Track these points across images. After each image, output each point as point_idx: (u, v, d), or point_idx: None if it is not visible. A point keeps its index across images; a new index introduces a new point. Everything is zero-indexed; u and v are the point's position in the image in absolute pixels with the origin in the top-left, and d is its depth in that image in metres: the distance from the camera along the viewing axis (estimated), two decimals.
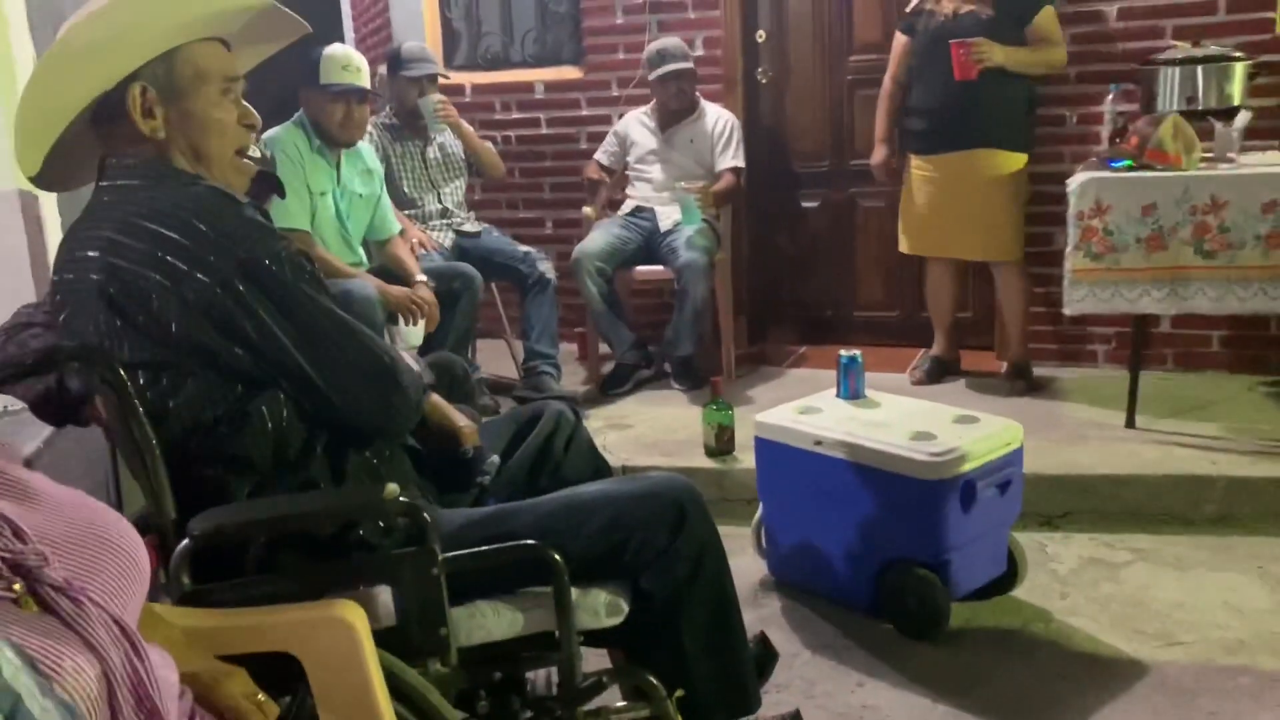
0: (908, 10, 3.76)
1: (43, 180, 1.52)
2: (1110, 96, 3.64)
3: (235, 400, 1.42)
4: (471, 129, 4.08)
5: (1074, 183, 3.22)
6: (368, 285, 3.26)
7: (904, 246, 3.89)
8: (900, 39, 3.77)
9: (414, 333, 3.38)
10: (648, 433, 3.52)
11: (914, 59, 3.71)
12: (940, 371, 3.94)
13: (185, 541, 1.36)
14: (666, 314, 4.26)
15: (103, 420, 1.48)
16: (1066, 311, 3.32)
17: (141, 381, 1.38)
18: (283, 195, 3.01)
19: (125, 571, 0.91)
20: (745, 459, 3.14)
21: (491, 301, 4.14)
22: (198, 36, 1.45)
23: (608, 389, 3.99)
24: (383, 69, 4.11)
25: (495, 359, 4.30)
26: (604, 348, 4.13)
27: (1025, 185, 3.69)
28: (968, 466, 2.37)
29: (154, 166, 1.45)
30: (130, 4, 1.41)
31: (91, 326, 1.39)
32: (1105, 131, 3.65)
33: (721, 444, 3.20)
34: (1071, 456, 3.13)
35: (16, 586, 0.79)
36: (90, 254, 1.39)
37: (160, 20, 1.41)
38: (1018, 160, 3.62)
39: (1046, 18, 3.52)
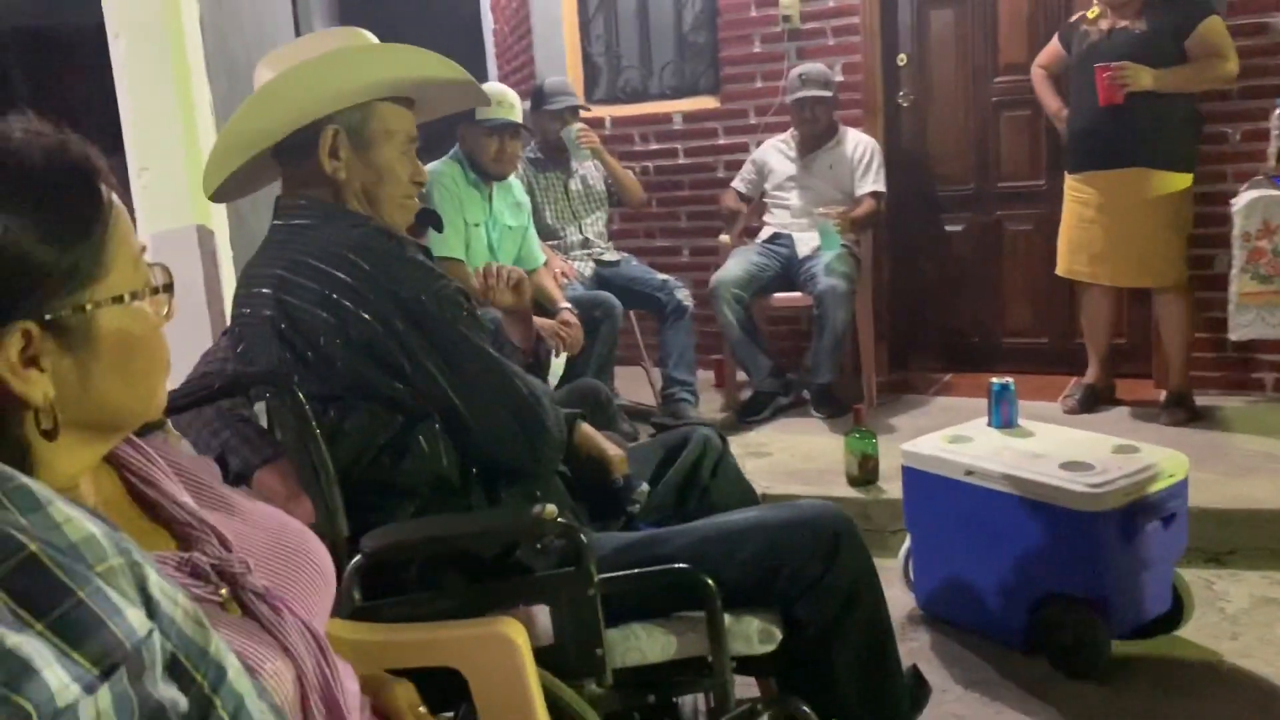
0: (1068, 22, 3.67)
1: (216, 195, 1.65)
2: (1277, 111, 3.46)
3: (396, 431, 1.49)
4: (613, 158, 4.16)
5: (1239, 202, 3.07)
6: None
7: (1060, 268, 3.76)
8: (1055, 45, 3.69)
9: (555, 364, 3.45)
10: (787, 461, 3.50)
11: (1068, 76, 3.61)
12: (1094, 400, 3.79)
13: (357, 558, 1.42)
14: (805, 340, 4.24)
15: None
16: (1232, 337, 3.16)
17: (310, 412, 1.46)
18: (440, 229, 3.13)
19: (315, 583, 0.96)
20: (889, 488, 3.09)
21: (630, 329, 4.19)
22: (394, 95, 1.56)
23: (745, 416, 3.98)
24: (526, 104, 4.24)
25: (633, 386, 4.34)
26: (741, 375, 4.13)
27: (1188, 206, 3.53)
28: (1129, 499, 2.27)
29: (324, 207, 1.54)
30: (345, 58, 1.53)
31: (265, 359, 1.48)
32: (1272, 148, 3.46)
33: (865, 473, 3.15)
34: (1239, 489, 2.96)
35: (223, 591, 0.85)
36: (264, 291, 1.49)
37: (368, 77, 1.53)
38: (1179, 180, 3.47)
39: (1211, 30, 3.35)
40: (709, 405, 4.17)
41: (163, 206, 2.61)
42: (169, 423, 0.98)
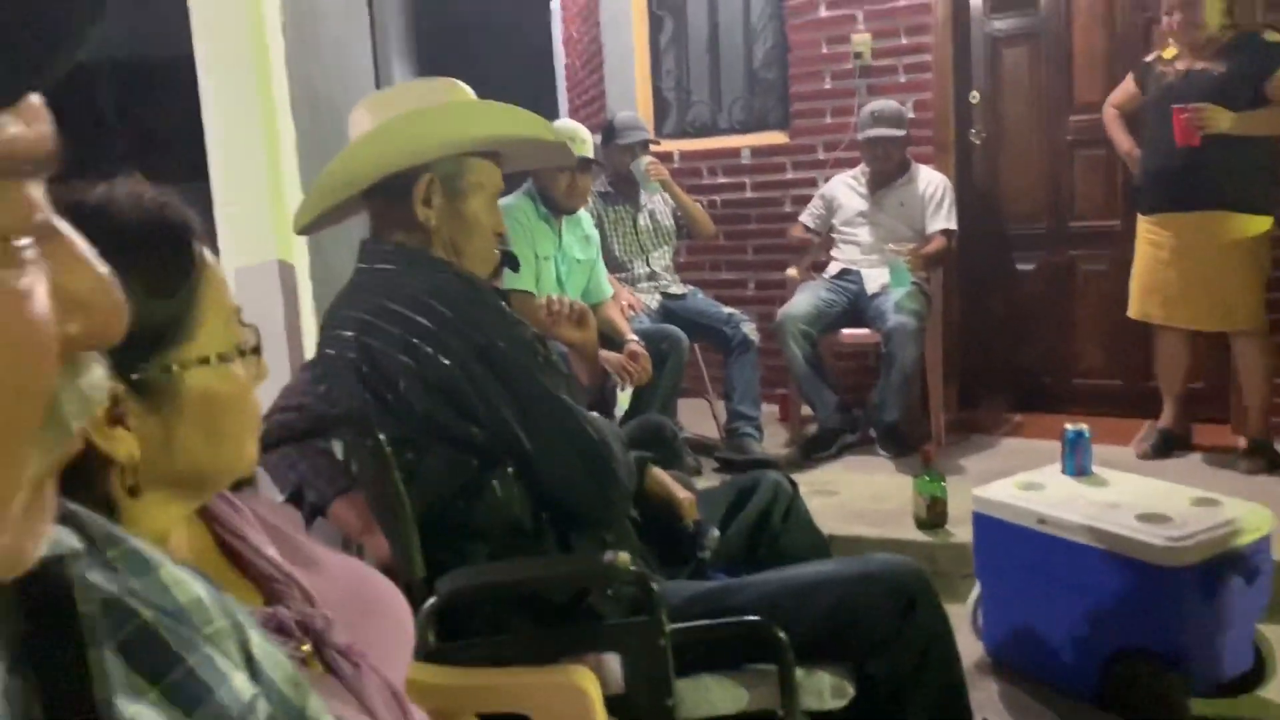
0: (1144, 61, 3.62)
1: (304, 230, 1.73)
2: None
3: (471, 475, 1.51)
4: (681, 190, 4.18)
5: None
6: None
7: (1132, 310, 3.69)
8: (1130, 84, 3.64)
9: (621, 397, 3.46)
10: (853, 500, 3.46)
11: (1143, 116, 3.56)
12: (1169, 445, 3.70)
13: (432, 600, 1.44)
14: (872, 377, 4.20)
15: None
16: None
17: (390, 453, 1.49)
18: (516, 269, 3.17)
19: (396, 638, 0.97)
20: (958, 532, 3.04)
21: (695, 362, 4.20)
22: (489, 149, 1.62)
23: (810, 453, 3.95)
24: (597, 138, 4.29)
25: (697, 419, 4.34)
26: (807, 410, 4.11)
27: (1266, 249, 3.44)
28: (1210, 554, 2.21)
29: (409, 253, 1.58)
30: (452, 111, 1.60)
31: (347, 401, 1.52)
32: None
33: (933, 516, 3.11)
34: None
35: (305, 647, 0.86)
36: (347, 334, 1.53)
37: (471, 132, 1.59)
38: (1258, 224, 3.39)
39: None
40: (773, 440, 4.15)
41: (245, 240, 2.68)
42: (256, 477, 0.99)
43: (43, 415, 0.37)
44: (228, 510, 0.92)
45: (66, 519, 0.53)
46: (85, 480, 0.76)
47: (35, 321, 0.35)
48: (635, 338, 3.63)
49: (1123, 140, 3.71)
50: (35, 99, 0.36)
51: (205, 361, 0.80)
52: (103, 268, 0.40)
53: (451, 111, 1.60)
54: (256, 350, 0.85)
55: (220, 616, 0.64)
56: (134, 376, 0.76)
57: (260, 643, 0.66)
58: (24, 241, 0.35)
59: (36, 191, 0.35)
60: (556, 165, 1.81)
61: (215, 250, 0.86)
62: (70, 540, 0.50)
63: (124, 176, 0.82)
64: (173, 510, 0.83)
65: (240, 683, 0.62)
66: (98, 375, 0.41)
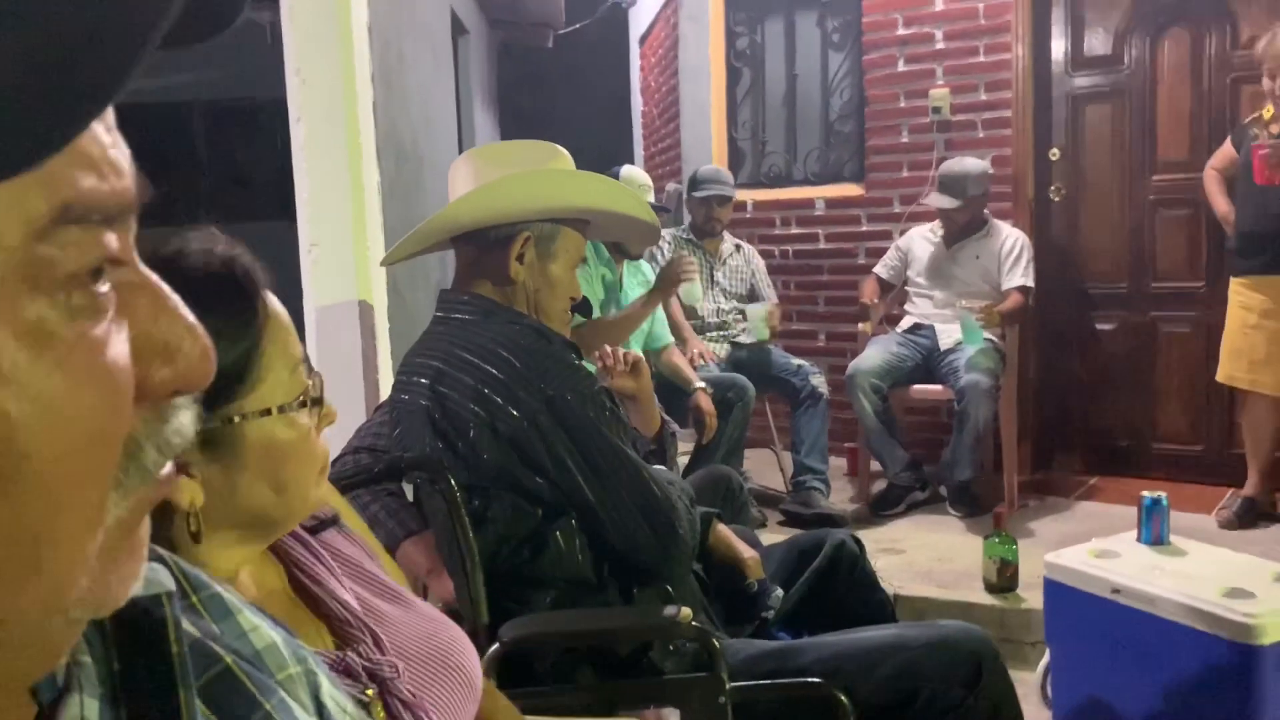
0: (1241, 123, 3.57)
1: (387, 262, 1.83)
2: None
3: (536, 524, 1.53)
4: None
5: None
6: None
7: (1220, 374, 3.60)
8: (1229, 146, 3.58)
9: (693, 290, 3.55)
10: (921, 560, 3.41)
11: (1239, 177, 3.50)
12: (1253, 515, 3.58)
13: (495, 646, 1.45)
14: (943, 434, 4.14)
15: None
16: None
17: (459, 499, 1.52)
18: (588, 315, 3.21)
19: (462, 692, 0.98)
20: (1029, 597, 2.98)
21: (762, 411, 4.19)
22: (584, 218, 1.69)
23: (878, 509, 3.90)
24: (681, 186, 4.38)
25: (762, 470, 4.32)
26: (876, 466, 4.06)
27: None
28: None
29: (487, 304, 1.63)
30: (560, 178, 1.68)
31: (419, 446, 1.56)
32: None
33: (1004, 580, 3.04)
34: None
35: (369, 692, 0.87)
36: (421, 381, 1.57)
37: (577, 200, 1.66)
38: None
39: None
40: (840, 494, 4.11)
41: (328, 280, 2.76)
42: (340, 518, 1.00)
43: (120, 459, 0.38)
44: (306, 555, 0.94)
45: (158, 561, 0.55)
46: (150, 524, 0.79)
47: (112, 367, 0.36)
48: (702, 384, 3.64)
49: (1220, 202, 3.65)
50: (118, 152, 0.37)
51: (267, 412, 0.81)
52: (190, 315, 0.41)
53: (562, 178, 1.67)
54: (319, 401, 0.86)
55: (294, 663, 0.65)
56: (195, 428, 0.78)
57: (330, 689, 0.68)
58: (103, 288, 0.36)
59: (112, 238, 0.36)
60: (643, 243, 1.87)
61: (299, 290, 0.89)
62: (167, 581, 0.52)
63: (201, 226, 0.84)
64: (238, 553, 0.85)
65: None
66: (185, 422, 0.43)
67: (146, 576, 0.51)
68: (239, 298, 0.81)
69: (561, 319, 1.70)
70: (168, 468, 0.42)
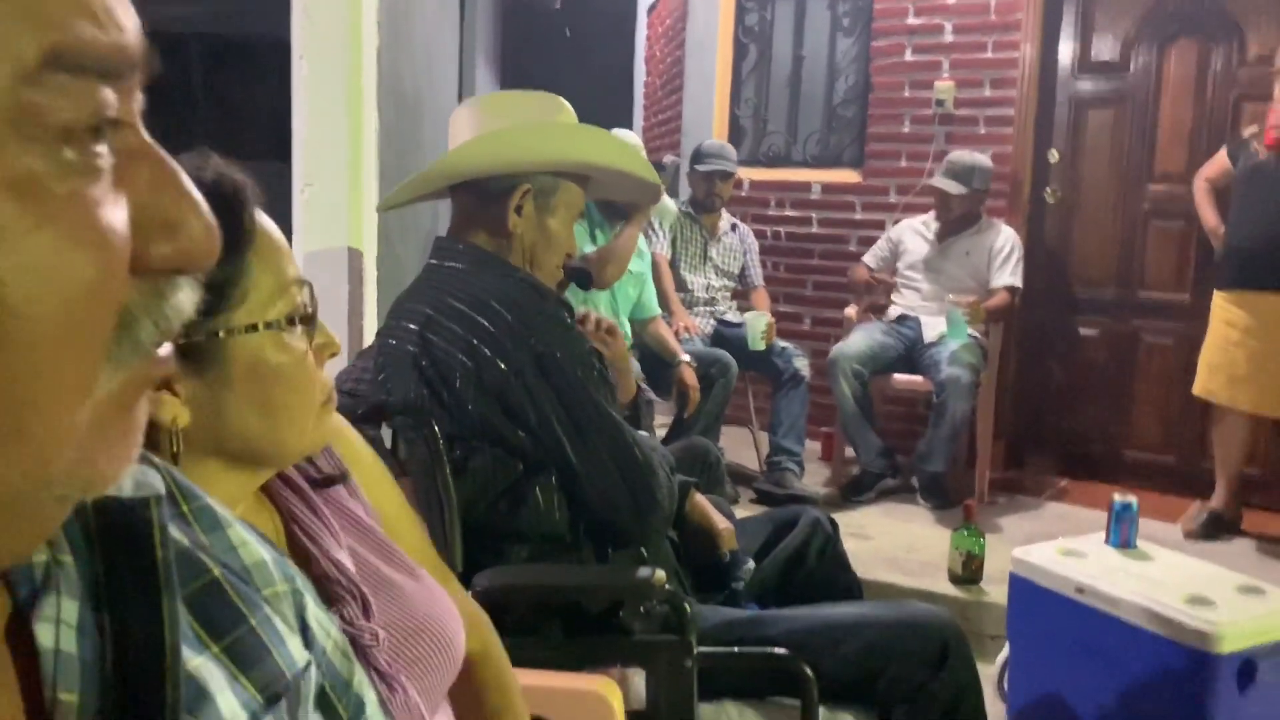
0: (1239, 137, 3.58)
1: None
2: None
3: (516, 479, 1.53)
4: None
5: None
6: (634, 362, 3.43)
7: (1196, 387, 3.63)
8: (1222, 158, 3.59)
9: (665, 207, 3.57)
10: (888, 547, 3.43)
11: (1232, 191, 3.51)
12: (1218, 528, 3.62)
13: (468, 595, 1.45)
14: (918, 425, 4.17)
15: None
16: None
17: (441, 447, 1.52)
18: (587, 288, 3.20)
19: (444, 667, 0.95)
20: (992, 591, 3.01)
21: (742, 390, 4.20)
22: (585, 173, 1.67)
23: (850, 494, 3.93)
24: (677, 159, 4.37)
25: (738, 448, 4.33)
26: (850, 451, 4.08)
27: None
28: (1249, 643, 2.16)
29: (481, 254, 1.61)
30: (568, 130, 1.66)
31: (402, 391, 1.55)
32: None
33: (968, 572, 3.07)
34: None
35: None
36: (411, 326, 1.56)
37: (580, 154, 1.64)
38: None
39: None
40: (813, 478, 4.13)
41: (319, 223, 2.73)
42: (351, 476, 0.98)
43: (114, 330, 0.37)
44: (303, 508, 0.91)
45: (150, 466, 0.54)
46: None
47: (106, 230, 0.35)
48: (687, 358, 3.65)
49: (1209, 215, 3.66)
50: (121, 6, 0.36)
51: (254, 328, 0.79)
52: (195, 192, 0.40)
53: (566, 131, 1.65)
54: (311, 319, 0.83)
55: (281, 581, 0.64)
56: (180, 341, 0.77)
57: (315, 610, 0.67)
58: (100, 148, 0.35)
59: (110, 95, 0.35)
60: (644, 201, 1.85)
61: (289, 233, 0.86)
62: (158, 484, 0.50)
63: (198, 152, 0.82)
64: (231, 484, 0.82)
65: (296, 648, 0.62)
66: (184, 300, 0.41)
67: (136, 479, 0.50)
68: (226, 211, 0.79)
69: (554, 275, 1.68)
70: (165, 348, 0.41)
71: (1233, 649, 2.14)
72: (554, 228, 1.65)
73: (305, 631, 0.64)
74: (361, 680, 0.70)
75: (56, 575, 0.45)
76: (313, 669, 0.62)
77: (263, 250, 0.81)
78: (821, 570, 1.87)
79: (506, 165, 1.59)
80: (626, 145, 1.70)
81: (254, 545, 0.64)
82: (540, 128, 1.63)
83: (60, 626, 0.44)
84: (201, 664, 0.53)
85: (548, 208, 1.63)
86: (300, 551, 0.90)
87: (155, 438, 0.76)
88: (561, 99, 1.72)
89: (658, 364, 3.68)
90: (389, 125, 2.94)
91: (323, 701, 0.65)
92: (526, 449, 1.52)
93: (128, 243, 0.37)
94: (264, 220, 0.82)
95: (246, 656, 0.56)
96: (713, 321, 4.18)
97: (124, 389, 0.39)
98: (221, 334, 0.78)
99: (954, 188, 3.92)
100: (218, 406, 0.79)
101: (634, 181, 1.76)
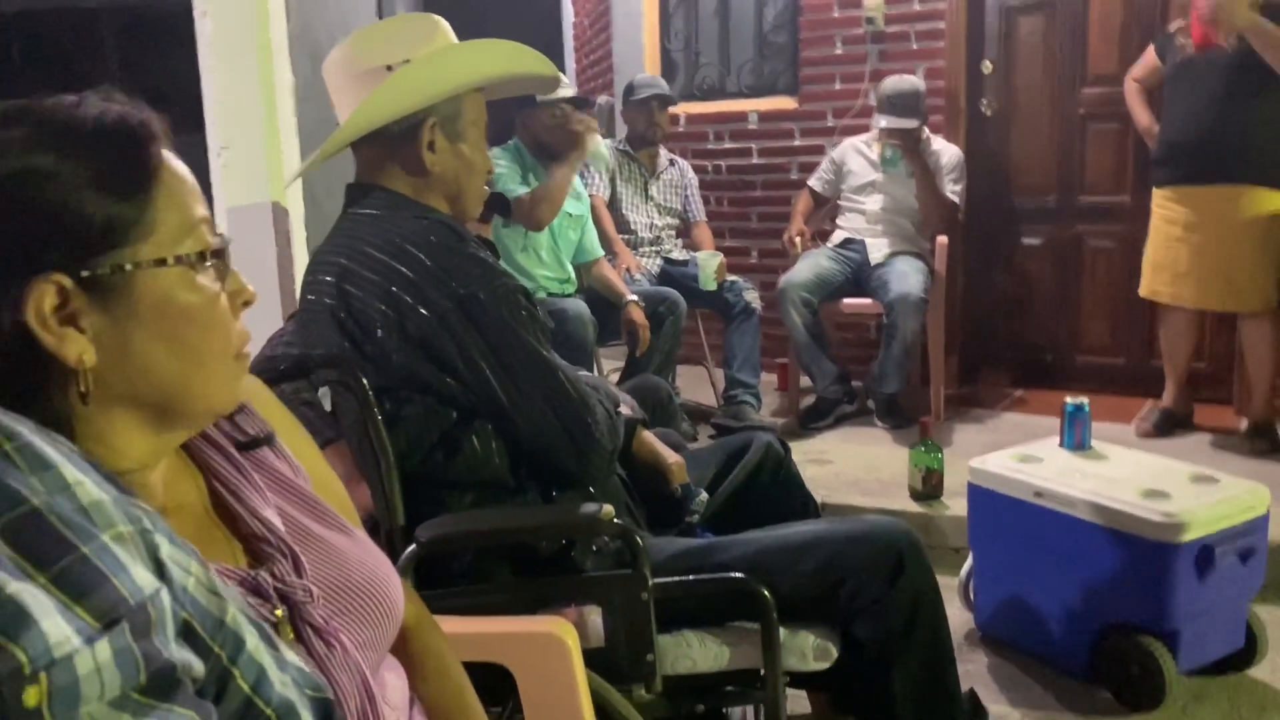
0: (1165, 32, 3.55)
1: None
2: None
3: (449, 427, 1.48)
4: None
5: None
6: (581, 304, 3.38)
7: (1143, 288, 3.63)
8: (1151, 56, 3.57)
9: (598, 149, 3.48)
10: (848, 470, 3.44)
11: (1163, 88, 3.50)
12: (1170, 425, 3.67)
13: (412, 547, 1.41)
14: (872, 348, 4.17)
15: None
16: None
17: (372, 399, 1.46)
18: (507, 215, 3.13)
19: (383, 621, 0.93)
20: (953, 504, 3.02)
21: (694, 329, 4.17)
22: (486, 85, 1.60)
23: (808, 422, 3.92)
24: (611, 99, 4.28)
25: (695, 386, 4.31)
26: (805, 380, 4.07)
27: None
28: (1205, 530, 2.18)
29: (394, 198, 1.55)
30: (457, 53, 1.57)
31: (325, 346, 1.49)
32: None
33: (928, 487, 3.08)
34: None
35: (279, 612, 0.82)
36: (327, 279, 1.49)
37: (475, 72, 1.56)
38: (1276, 200, 3.32)
39: None
40: (771, 409, 4.12)
41: (240, 185, 2.64)
42: (276, 437, 0.95)
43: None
44: (229, 469, 0.89)
45: None
46: (37, 389, 0.73)
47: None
48: (634, 297, 3.60)
49: (1142, 115, 3.65)
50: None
51: (162, 262, 0.77)
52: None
53: (458, 55, 1.56)
54: (218, 255, 0.81)
55: (124, 523, 0.61)
56: (84, 274, 0.73)
57: (171, 551, 0.64)
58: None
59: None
60: (544, 93, 1.79)
61: (209, 197, 0.85)
62: None
63: (104, 90, 0.80)
64: (144, 437, 0.79)
65: (142, 576, 0.60)
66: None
67: None
68: (130, 142, 0.77)
69: (480, 196, 1.63)
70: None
71: (1190, 537, 2.17)
72: (469, 152, 1.58)
73: (160, 568, 0.62)
74: (237, 618, 0.68)
75: None
76: (164, 595, 0.61)
77: (169, 186, 0.79)
78: (776, 492, 1.85)
79: (410, 109, 1.52)
80: (516, 46, 1.60)
81: (90, 486, 0.61)
82: (433, 60, 1.54)
83: None
84: (22, 589, 0.53)
85: (457, 133, 1.56)
86: (226, 511, 0.87)
87: (64, 378, 0.73)
88: (433, 16, 1.62)
89: (605, 305, 3.63)
90: (305, 79, 2.83)
91: (192, 639, 0.64)
92: (457, 395, 1.47)
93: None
94: (171, 159, 0.80)
95: (78, 584, 0.56)
96: (659, 260, 4.13)
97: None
98: (129, 267, 0.75)
99: (909, 123, 3.84)
100: (125, 345, 0.76)
101: (534, 77, 1.69)
